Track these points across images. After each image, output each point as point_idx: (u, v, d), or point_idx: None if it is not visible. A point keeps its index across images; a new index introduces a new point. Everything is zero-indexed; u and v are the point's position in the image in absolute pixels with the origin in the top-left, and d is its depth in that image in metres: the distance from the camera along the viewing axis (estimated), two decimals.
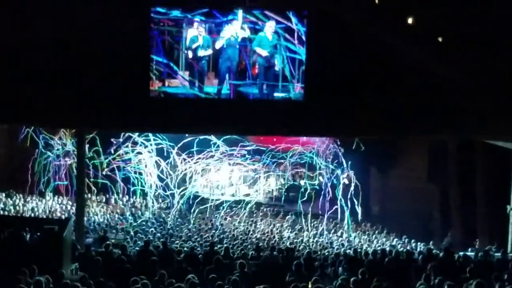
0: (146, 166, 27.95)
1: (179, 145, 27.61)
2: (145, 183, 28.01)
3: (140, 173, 28.01)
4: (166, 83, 17.59)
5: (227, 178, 32.44)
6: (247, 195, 31.08)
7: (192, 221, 25.98)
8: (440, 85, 17.32)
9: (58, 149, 27.68)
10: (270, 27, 17.09)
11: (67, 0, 17.02)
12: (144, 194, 28.50)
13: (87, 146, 24.77)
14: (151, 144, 27.63)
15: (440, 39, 17.53)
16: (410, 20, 17.54)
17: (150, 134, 27.27)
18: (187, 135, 27.00)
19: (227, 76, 17.47)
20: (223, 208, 28.07)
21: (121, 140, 27.20)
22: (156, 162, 27.98)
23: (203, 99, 17.64)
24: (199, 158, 28.43)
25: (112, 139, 27.23)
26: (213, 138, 27.75)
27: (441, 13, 17.20)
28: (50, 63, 17.09)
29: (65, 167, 27.75)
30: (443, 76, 17.32)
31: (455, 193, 23.49)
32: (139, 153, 27.77)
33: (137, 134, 27.01)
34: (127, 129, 23.97)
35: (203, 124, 18.55)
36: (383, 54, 17.16)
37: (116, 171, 27.95)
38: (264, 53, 17.29)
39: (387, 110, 17.45)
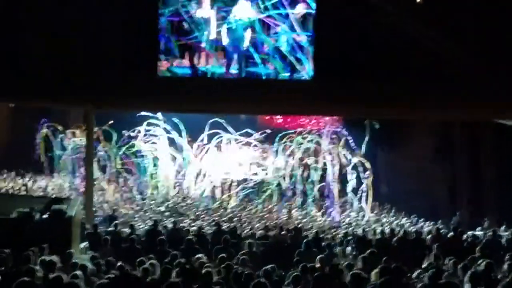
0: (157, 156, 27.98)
1: (198, 140, 27.74)
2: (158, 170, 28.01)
3: (154, 164, 27.99)
4: (175, 63, 17.58)
5: (236, 159, 32.29)
6: (255, 174, 31.03)
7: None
8: (448, 65, 17.21)
9: (73, 146, 27.64)
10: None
11: None
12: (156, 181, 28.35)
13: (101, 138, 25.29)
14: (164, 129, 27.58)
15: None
16: None
17: (161, 126, 27.25)
18: (207, 131, 27.10)
19: (235, 56, 17.42)
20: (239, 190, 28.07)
21: (133, 134, 27.24)
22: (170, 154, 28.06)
23: (211, 78, 17.63)
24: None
25: (123, 131, 27.18)
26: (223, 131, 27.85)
27: None
28: (61, 43, 17.13)
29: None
30: (452, 56, 17.22)
31: (463, 173, 23.40)
32: (154, 143, 27.77)
33: (146, 125, 27.00)
34: (135, 108, 23.98)
35: (211, 103, 18.55)
36: (392, 34, 17.05)
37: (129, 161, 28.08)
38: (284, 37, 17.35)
39: (395, 90, 17.38)
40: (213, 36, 17.52)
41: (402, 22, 17.08)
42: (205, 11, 17.35)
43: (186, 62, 17.64)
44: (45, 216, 12.90)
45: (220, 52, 17.70)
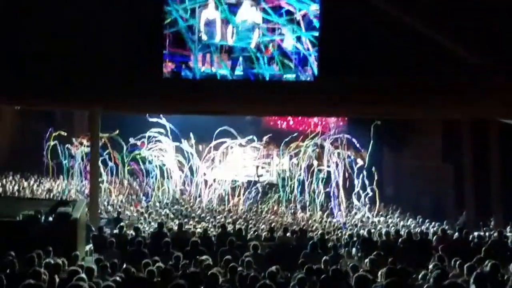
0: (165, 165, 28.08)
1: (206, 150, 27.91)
2: (168, 177, 28.09)
3: (161, 169, 28.09)
4: (179, 65, 17.60)
5: (241, 160, 32.31)
6: (260, 176, 31.06)
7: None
8: (454, 64, 17.19)
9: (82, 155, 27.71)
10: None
11: None
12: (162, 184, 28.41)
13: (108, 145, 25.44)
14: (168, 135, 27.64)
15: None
16: None
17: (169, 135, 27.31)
18: (214, 141, 27.20)
19: (240, 57, 17.43)
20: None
21: (138, 142, 27.37)
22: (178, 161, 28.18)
23: (216, 80, 17.63)
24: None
25: (130, 139, 27.28)
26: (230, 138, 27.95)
27: None
28: (65, 45, 17.15)
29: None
30: (458, 56, 17.20)
31: (469, 173, 23.34)
32: (161, 149, 27.86)
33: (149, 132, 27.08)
34: (140, 110, 23.98)
35: (216, 105, 18.54)
36: (396, 34, 17.04)
37: (136, 167, 28.21)
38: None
39: (400, 90, 17.37)
40: (218, 38, 17.54)
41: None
42: (210, 12, 17.36)
43: (191, 63, 17.64)
44: (50, 218, 12.91)
45: (225, 54, 17.72)
